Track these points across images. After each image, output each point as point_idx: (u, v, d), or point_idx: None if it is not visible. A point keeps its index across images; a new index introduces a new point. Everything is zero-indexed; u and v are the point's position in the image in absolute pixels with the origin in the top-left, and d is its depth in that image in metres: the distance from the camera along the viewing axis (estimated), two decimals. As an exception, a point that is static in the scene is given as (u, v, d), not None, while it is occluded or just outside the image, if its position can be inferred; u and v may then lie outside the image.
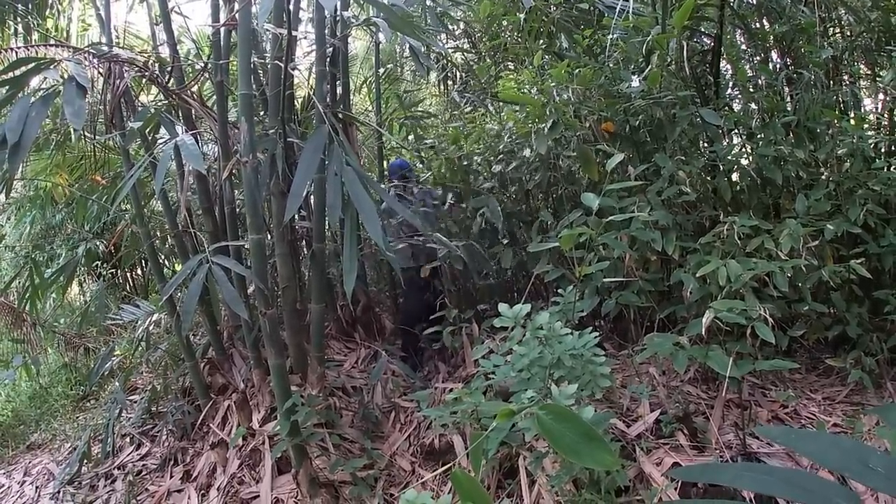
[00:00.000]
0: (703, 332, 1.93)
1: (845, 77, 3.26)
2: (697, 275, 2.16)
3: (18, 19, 3.90)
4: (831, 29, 3.28)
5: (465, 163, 3.06)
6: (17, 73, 2.43)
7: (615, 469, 1.80)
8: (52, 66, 2.44)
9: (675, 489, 1.98)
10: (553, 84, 2.46)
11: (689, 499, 1.91)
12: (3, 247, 5.13)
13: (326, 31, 2.62)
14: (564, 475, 1.87)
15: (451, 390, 2.17)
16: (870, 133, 2.80)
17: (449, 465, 1.28)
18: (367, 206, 1.70)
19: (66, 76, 2.36)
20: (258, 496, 2.49)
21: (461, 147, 2.98)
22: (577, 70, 2.52)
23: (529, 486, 2.07)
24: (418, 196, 3.38)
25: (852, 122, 2.86)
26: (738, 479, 1.01)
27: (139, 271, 5.77)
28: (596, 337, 1.71)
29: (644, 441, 2.12)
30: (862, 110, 3.44)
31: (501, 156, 2.95)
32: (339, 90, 3.03)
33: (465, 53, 4.35)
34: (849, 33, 3.24)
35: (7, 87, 2.39)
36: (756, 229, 2.32)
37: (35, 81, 2.84)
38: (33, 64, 2.48)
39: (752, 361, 2.00)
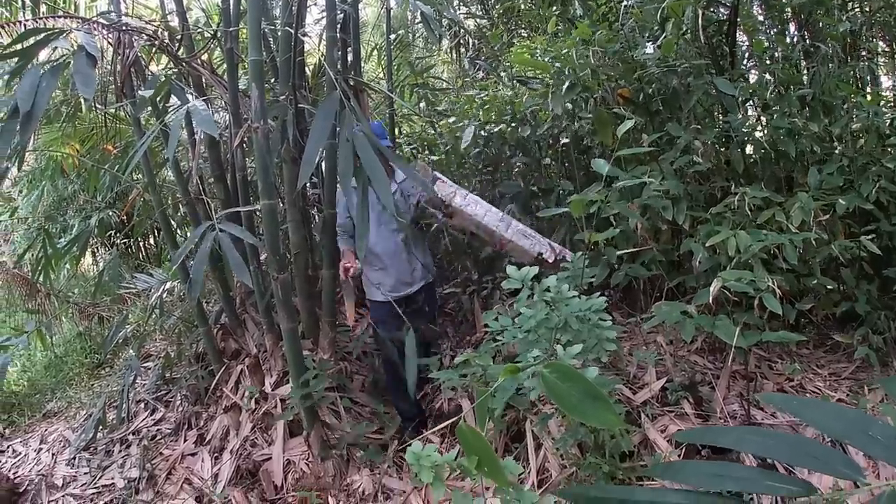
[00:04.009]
0: (711, 302, 1.94)
1: (863, 52, 3.21)
2: (707, 245, 2.16)
3: (27, -9, 3.89)
4: (850, 3, 3.21)
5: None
6: (27, 44, 2.42)
7: (618, 430, 1.83)
8: (62, 36, 2.43)
9: (679, 456, 2.01)
10: (573, 45, 2.43)
11: (693, 464, 1.95)
12: (15, 219, 5.19)
13: (337, -3, 2.59)
14: (569, 438, 1.91)
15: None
16: (885, 109, 2.76)
17: (452, 420, 1.30)
18: (378, 172, 1.69)
19: (75, 47, 2.35)
20: (270, 458, 2.56)
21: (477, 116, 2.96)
22: (597, 33, 2.49)
23: (536, 449, 2.12)
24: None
25: (868, 97, 2.82)
26: (741, 442, 1.02)
27: (151, 240, 5.83)
28: (605, 303, 1.73)
29: (649, 408, 2.16)
30: (879, 86, 3.40)
31: (515, 123, 2.93)
32: (349, 57, 3.01)
33: (477, 20, 4.28)
34: (868, 8, 3.18)
35: (17, 59, 2.38)
36: (767, 201, 2.31)
37: (44, 54, 2.83)
38: (42, 35, 2.47)
39: (760, 333, 2.02)
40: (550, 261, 2.36)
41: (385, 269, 2.70)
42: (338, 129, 2.05)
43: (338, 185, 2.68)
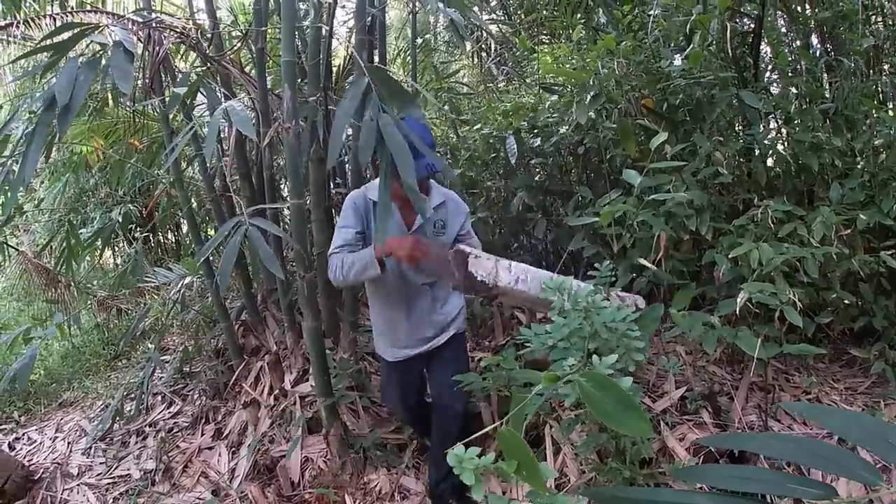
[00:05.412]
0: (733, 313, 1.96)
1: (886, 67, 3.21)
2: (730, 256, 2.18)
3: (55, -15, 3.94)
4: (874, 17, 3.22)
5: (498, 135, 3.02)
6: (61, 38, 2.46)
7: (644, 439, 1.85)
8: (96, 32, 2.47)
9: (697, 463, 2.03)
10: (598, 55, 2.46)
11: (711, 473, 1.97)
12: (38, 210, 5.26)
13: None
14: (590, 443, 1.93)
15: (480, 359, 2.22)
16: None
17: (485, 430, 1.32)
18: (400, 147, 1.56)
19: (109, 42, 2.39)
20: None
21: (496, 122, 2.98)
22: (621, 43, 2.52)
23: (555, 454, 2.14)
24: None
25: (891, 112, 2.83)
26: (766, 447, 1.04)
27: (171, 236, 5.90)
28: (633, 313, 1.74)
29: (669, 416, 2.18)
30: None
31: (536, 129, 2.95)
32: (376, 59, 3.04)
33: (500, 25, 4.30)
34: (891, 22, 3.19)
35: (51, 53, 2.42)
36: (789, 215, 2.33)
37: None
38: (77, 30, 2.51)
39: (779, 345, 2.03)
40: None
41: (399, 318, 2.11)
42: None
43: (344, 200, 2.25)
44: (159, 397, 3.59)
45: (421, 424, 2.36)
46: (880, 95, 3.11)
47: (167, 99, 2.80)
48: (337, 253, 2.01)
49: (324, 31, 2.50)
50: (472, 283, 1.75)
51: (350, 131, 2.82)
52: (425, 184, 2.00)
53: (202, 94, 2.96)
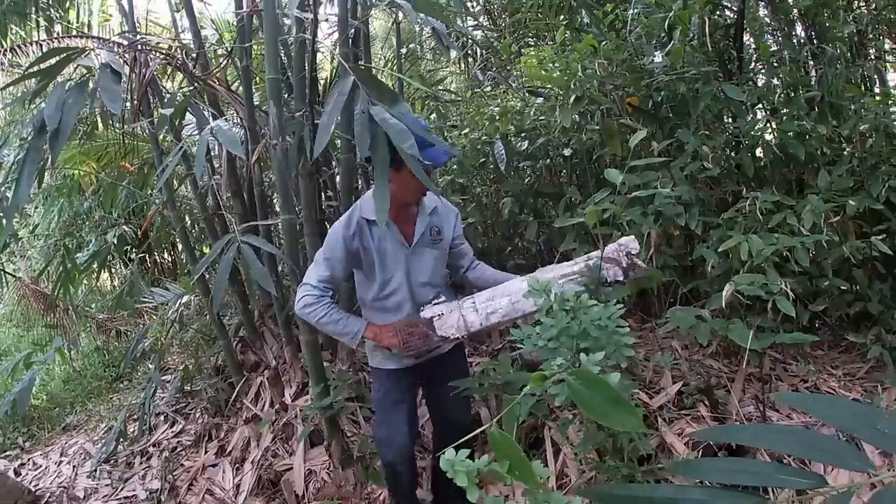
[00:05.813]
0: (725, 306, 1.96)
1: (870, 52, 3.23)
2: (720, 250, 2.18)
3: (40, 12, 3.98)
4: (856, 2, 3.24)
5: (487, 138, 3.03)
6: (49, 63, 2.48)
7: (639, 433, 1.85)
8: (83, 56, 2.49)
9: (696, 457, 2.03)
10: (578, 57, 2.47)
11: (711, 467, 1.97)
12: (33, 235, 5.29)
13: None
14: (588, 442, 1.93)
15: (477, 364, 2.23)
16: (893, 109, 2.77)
17: (480, 430, 1.33)
18: (396, 127, 1.52)
19: (96, 65, 2.41)
20: (291, 468, 2.59)
21: (483, 127, 2.99)
22: (602, 43, 2.53)
23: (555, 454, 2.14)
24: None
25: (876, 97, 2.84)
26: (756, 439, 1.05)
27: (166, 255, 5.93)
28: (620, 309, 1.75)
29: (666, 412, 2.18)
30: (887, 85, 3.42)
31: (524, 133, 2.97)
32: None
33: (484, 30, 4.32)
34: (873, 6, 3.20)
35: (38, 78, 2.44)
36: (778, 205, 2.33)
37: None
38: (65, 54, 2.53)
39: (773, 335, 2.03)
40: (622, 277, 1.87)
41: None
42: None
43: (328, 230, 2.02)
44: (162, 417, 3.61)
45: (409, 472, 2.09)
46: (865, 81, 3.12)
47: (156, 120, 2.82)
48: (316, 288, 1.83)
49: (307, 46, 2.51)
50: (448, 341, 1.82)
51: (339, 143, 2.84)
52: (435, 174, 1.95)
53: (191, 113, 2.99)
